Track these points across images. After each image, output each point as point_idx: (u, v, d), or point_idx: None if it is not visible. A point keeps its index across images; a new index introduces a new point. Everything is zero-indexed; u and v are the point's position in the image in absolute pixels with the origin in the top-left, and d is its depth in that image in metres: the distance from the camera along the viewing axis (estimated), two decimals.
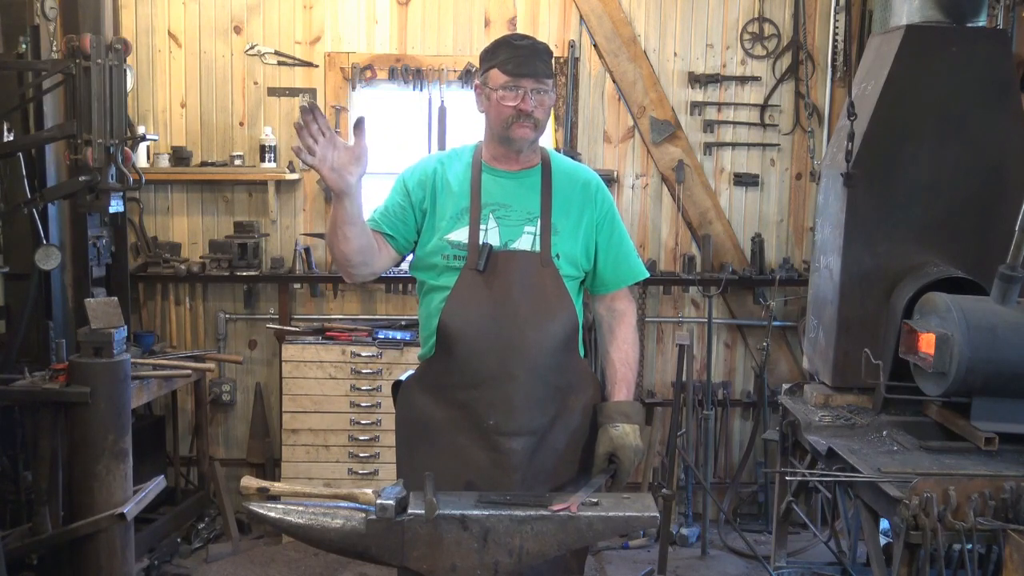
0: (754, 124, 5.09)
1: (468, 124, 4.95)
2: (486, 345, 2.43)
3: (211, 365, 4.67)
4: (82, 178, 3.91)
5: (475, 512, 2.16)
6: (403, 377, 2.65)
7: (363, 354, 4.67)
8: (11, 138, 4.03)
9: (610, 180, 5.03)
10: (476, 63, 4.86)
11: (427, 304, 2.56)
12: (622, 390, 2.57)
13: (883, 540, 3.17)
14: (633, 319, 2.69)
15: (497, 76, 2.44)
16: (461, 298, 2.45)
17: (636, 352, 2.65)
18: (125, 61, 4.07)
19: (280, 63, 4.98)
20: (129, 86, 4.43)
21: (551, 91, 2.48)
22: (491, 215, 2.49)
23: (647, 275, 2.75)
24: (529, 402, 2.45)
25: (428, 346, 2.54)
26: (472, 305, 2.44)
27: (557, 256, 2.50)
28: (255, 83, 4.99)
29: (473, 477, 2.43)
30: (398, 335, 4.68)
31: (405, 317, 4.94)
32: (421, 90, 4.94)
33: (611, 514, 2.20)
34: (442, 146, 4.91)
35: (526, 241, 2.49)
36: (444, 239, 2.49)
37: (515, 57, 2.42)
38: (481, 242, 2.46)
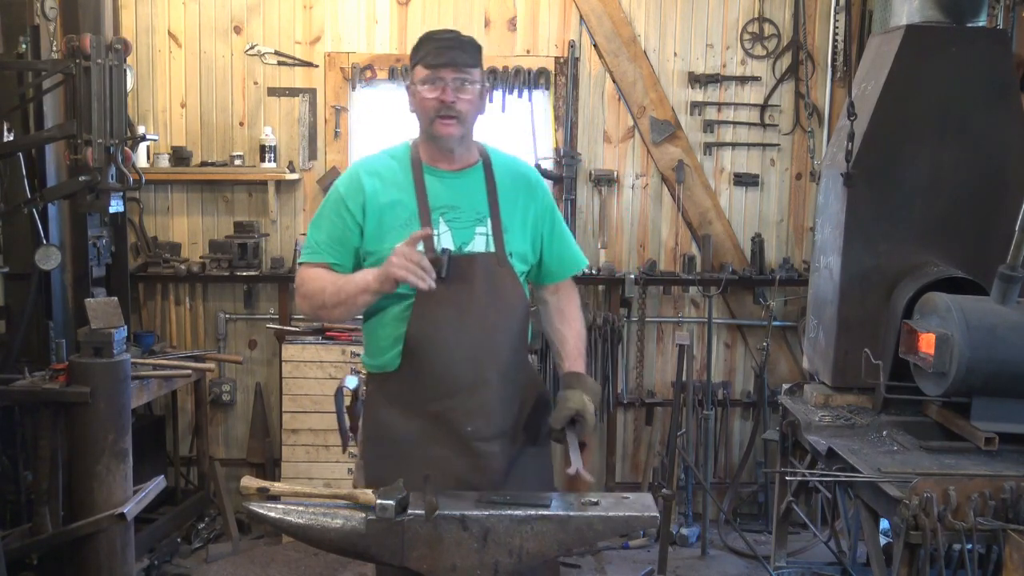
0: (754, 124, 5.09)
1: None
2: (459, 354, 2.40)
3: (211, 365, 4.67)
4: (82, 178, 3.91)
5: (475, 512, 2.16)
6: (349, 385, 2.62)
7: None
8: (11, 138, 4.03)
9: (610, 180, 5.04)
10: None
11: (380, 309, 2.45)
12: (579, 362, 2.60)
13: (883, 540, 3.17)
14: (578, 300, 2.73)
15: (419, 71, 2.41)
16: (427, 308, 2.38)
17: (584, 329, 2.70)
18: (125, 61, 4.08)
19: (280, 63, 4.98)
20: (129, 86, 4.43)
21: (476, 82, 2.42)
22: (441, 219, 2.43)
23: (587, 262, 2.78)
24: (503, 405, 2.46)
25: (388, 357, 2.46)
26: (439, 314, 2.39)
27: (511, 255, 2.48)
28: (255, 83, 4.99)
29: (452, 487, 2.36)
30: None
31: None
32: None
33: (611, 514, 2.20)
34: None
35: (480, 242, 2.45)
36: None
37: (435, 49, 2.39)
38: (439, 248, 2.39)
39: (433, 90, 2.39)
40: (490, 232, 2.46)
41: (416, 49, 2.44)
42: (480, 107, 2.49)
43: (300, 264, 2.52)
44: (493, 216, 2.47)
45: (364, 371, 2.60)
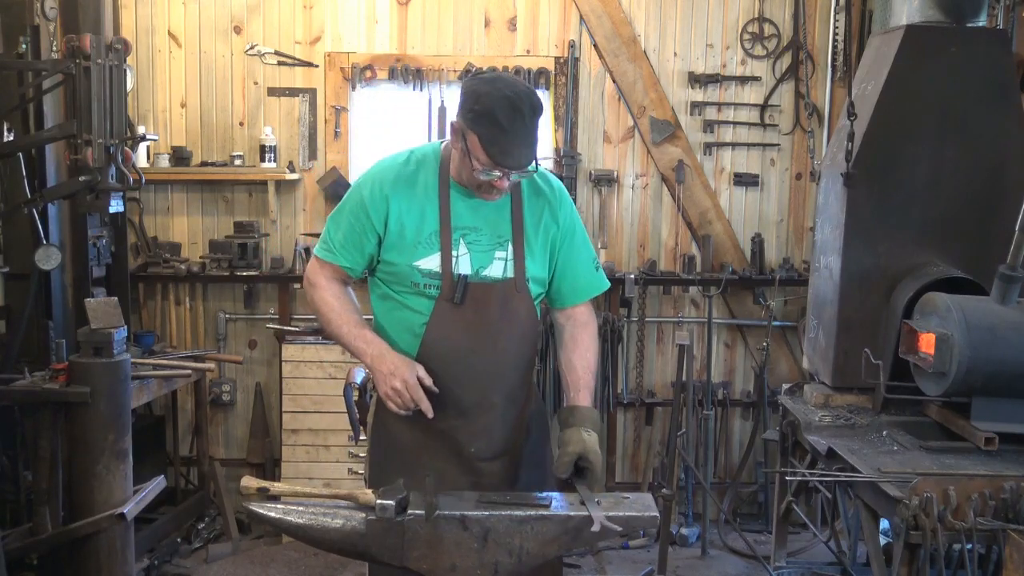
0: (754, 124, 5.09)
1: None
2: (468, 377, 2.42)
3: (211, 365, 4.67)
4: (82, 178, 3.92)
5: (475, 512, 2.16)
6: (357, 379, 2.64)
7: None
8: (11, 138, 4.03)
9: (610, 180, 5.04)
10: (476, 63, 4.91)
11: (394, 320, 2.47)
12: (586, 396, 2.50)
13: (883, 540, 3.17)
14: (595, 328, 2.61)
15: (477, 148, 2.26)
16: (440, 331, 2.40)
17: (597, 359, 2.60)
18: (125, 61, 4.08)
19: (280, 63, 4.97)
20: (129, 86, 4.43)
21: (533, 169, 2.36)
22: (461, 240, 2.41)
23: (608, 286, 2.66)
24: (506, 427, 2.50)
25: None
26: (452, 338, 2.40)
27: (529, 280, 2.46)
28: (255, 83, 4.99)
29: None
30: None
31: None
32: (421, 90, 4.94)
33: (611, 514, 2.20)
34: None
35: (498, 268, 2.43)
36: (414, 266, 2.40)
37: (501, 143, 2.24)
38: (455, 272, 2.38)
39: (490, 176, 2.30)
40: (511, 257, 2.43)
41: (478, 117, 2.25)
42: None
43: (315, 255, 2.54)
44: (516, 241, 2.44)
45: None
